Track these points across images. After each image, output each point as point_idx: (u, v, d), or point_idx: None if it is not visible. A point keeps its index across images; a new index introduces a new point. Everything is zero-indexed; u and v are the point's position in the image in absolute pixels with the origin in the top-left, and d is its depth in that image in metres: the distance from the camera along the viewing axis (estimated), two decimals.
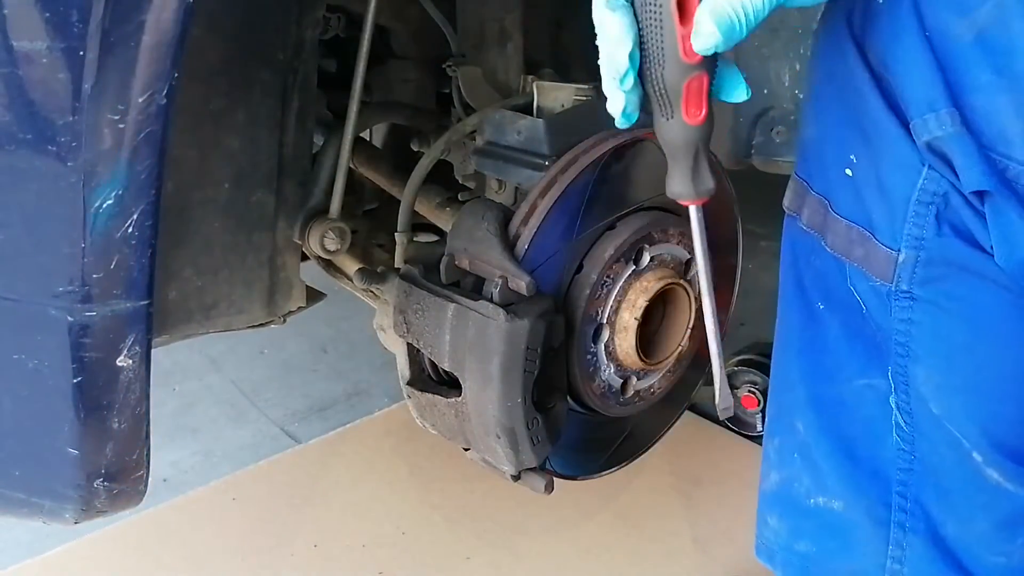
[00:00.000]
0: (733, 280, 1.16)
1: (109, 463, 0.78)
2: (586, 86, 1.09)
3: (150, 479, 0.83)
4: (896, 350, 0.78)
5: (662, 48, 0.65)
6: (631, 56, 0.66)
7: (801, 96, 1.20)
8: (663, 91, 0.66)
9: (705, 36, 0.63)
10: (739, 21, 0.63)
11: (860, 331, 0.81)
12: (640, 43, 0.66)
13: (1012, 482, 0.77)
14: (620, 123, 0.68)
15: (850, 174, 0.78)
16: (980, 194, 0.69)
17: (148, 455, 0.81)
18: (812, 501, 0.87)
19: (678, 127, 0.68)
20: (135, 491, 0.83)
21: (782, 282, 0.89)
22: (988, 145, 0.69)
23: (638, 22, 0.65)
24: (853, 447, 0.85)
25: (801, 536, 0.89)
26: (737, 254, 1.15)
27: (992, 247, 0.70)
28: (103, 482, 0.79)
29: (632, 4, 0.65)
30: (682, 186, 0.70)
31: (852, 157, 0.77)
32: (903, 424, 0.80)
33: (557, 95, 1.09)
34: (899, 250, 0.75)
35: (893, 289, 0.76)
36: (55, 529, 1.29)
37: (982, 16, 0.68)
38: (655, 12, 0.64)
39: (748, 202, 1.04)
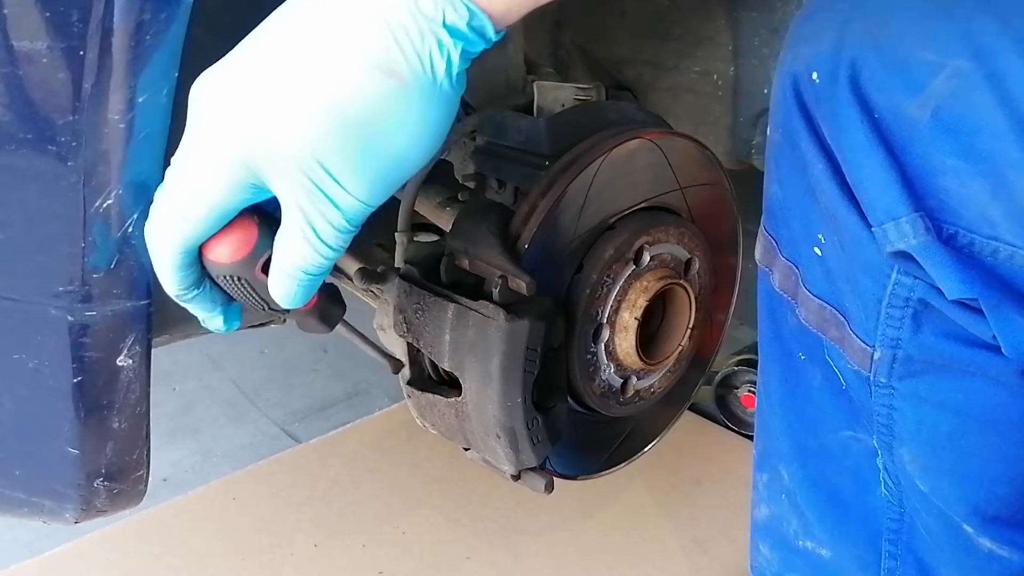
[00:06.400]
0: (733, 280, 1.16)
1: (109, 463, 0.78)
2: (586, 86, 1.09)
3: (150, 479, 0.83)
4: (879, 428, 0.73)
5: (264, 306, 0.68)
6: (225, 314, 0.70)
7: None
8: (276, 313, 0.72)
9: (282, 296, 0.64)
10: (304, 279, 0.62)
11: (843, 389, 0.77)
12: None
13: (1006, 548, 0.73)
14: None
15: (819, 253, 0.71)
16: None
17: (148, 455, 0.81)
18: (800, 543, 0.86)
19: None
20: (135, 491, 0.83)
21: (760, 331, 0.85)
22: (969, 228, 0.61)
23: (226, 289, 0.68)
24: (840, 496, 0.81)
25: (793, 570, 0.88)
26: (737, 254, 1.15)
27: (994, 337, 0.63)
28: (103, 482, 0.79)
29: (213, 285, 0.68)
30: None
31: (820, 236, 0.71)
32: (891, 484, 0.76)
33: (557, 95, 1.09)
34: (874, 347, 0.69)
35: (871, 379, 0.70)
36: (55, 529, 1.30)
37: (936, 91, 0.59)
38: (241, 288, 0.67)
39: (748, 202, 1.04)
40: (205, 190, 0.60)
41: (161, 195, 0.63)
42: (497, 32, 0.57)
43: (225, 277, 0.66)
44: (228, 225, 0.63)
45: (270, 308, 0.68)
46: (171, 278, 0.65)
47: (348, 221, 0.59)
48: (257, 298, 0.67)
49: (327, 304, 0.74)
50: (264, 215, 0.65)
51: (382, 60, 0.54)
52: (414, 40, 0.54)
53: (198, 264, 0.65)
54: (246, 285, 0.66)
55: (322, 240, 0.59)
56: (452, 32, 0.54)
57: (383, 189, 0.59)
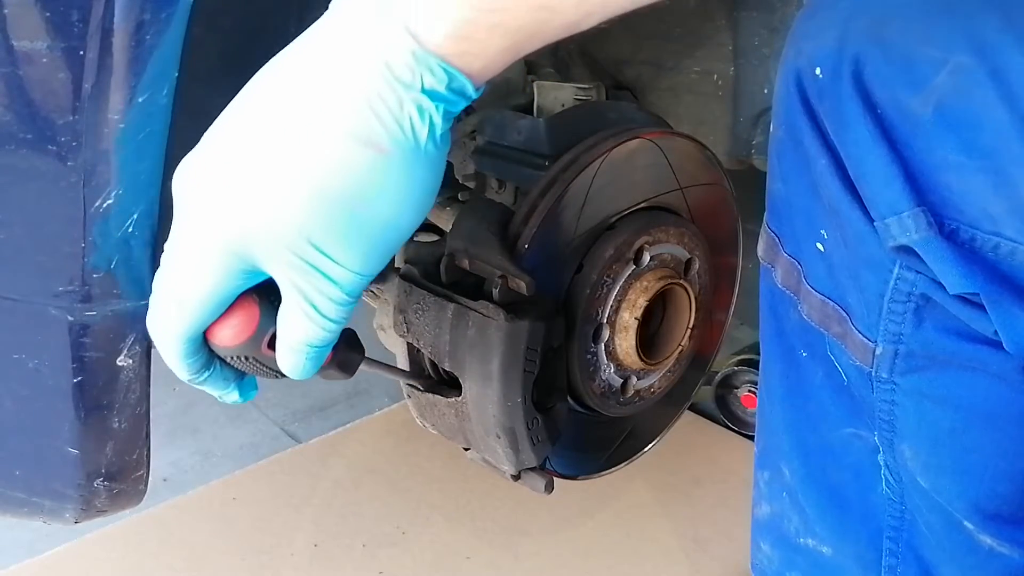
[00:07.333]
0: (733, 280, 1.16)
1: (109, 462, 0.78)
2: (586, 86, 1.09)
3: (150, 479, 0.83)
4: (881, 424, 0.73)
5: (277, 376, 0.67)
6: (240, 389, 0.69)
7: None
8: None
9: (292, 371, 0.63)
10: (311, 352, 0.61)
11: (845, 386, 0.76)
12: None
13: (1006, 545, 0.72)
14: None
15: (821, 249, 0.71)
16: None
17: (148, 455, 0.81)
18: (802, 541, 0.85)
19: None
20: (135, 490, 0.83)
21: (762, 326, 0.85)
22: (971, 223, 0.61)
23: (236, 367, 0.67)
24: (841, 493, 0.81)
25: (793, 568, 0.88)
26: (737, 254, 1.15)
27: (996, 332, 0.63)
28: (103, 481, 0.79)
29: (223, 364, 0.67)
30: None
31: (823, 232, 0.71)
32: (892, 481, 0.76)
33: (557, 95, 1.09)
34: (876, 342, 0.69)
35: (873, 374, 0.71)
36: (55, 529, 1.29)
37: (938, 87, 0.59)
38: (250, 365, 0.66)
39: (748, 202, 1.04)
40: (199, 281, 0.59)
41: (158, 284, 0.62)
42: (476, 89, 0.55)
43: (233, 357, 0.66)
44: (229, 308, 0.63)
45: (283, 376, 0.67)
46: (179, 366, 0.64)
47: (347, 294, 0.58)
48: (268, 371, 0.67)
49: (345, 354, 0.73)
50: (265, 292, 0.64)
51: (361, 132, 0.53)
52: (392, 109, 0.53)
53: (205, 349, 0.65)
54: (255, 362, 0.66)
55: (323, 315, 0.59)
56: (432, 96, 0.53)
57: (378, 258, 0.58)
